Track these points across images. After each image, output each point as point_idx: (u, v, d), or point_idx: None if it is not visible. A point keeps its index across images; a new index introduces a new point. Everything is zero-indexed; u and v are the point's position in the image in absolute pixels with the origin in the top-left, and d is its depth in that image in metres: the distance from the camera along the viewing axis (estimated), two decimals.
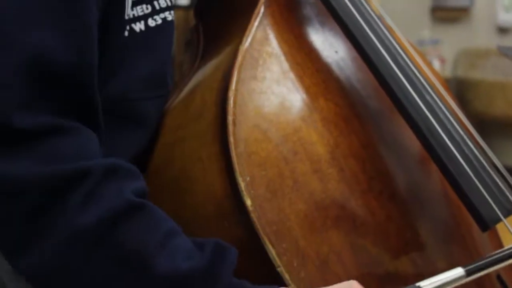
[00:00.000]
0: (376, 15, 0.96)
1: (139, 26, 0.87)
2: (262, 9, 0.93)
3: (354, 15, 0.94)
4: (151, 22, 0.89)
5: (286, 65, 0.91)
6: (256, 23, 0.92)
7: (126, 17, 0.85)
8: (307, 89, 0.91)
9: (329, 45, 0.98)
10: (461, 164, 0.88)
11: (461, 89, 3.62)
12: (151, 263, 0.71)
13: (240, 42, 0.90)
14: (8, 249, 0.73)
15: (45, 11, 0.69)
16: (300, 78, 0.91)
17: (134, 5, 0.87)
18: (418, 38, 3.78)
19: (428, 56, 3.70)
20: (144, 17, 0.89)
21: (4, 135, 0.69)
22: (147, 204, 0.75)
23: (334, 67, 0.96)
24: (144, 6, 0.88)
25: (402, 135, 0.97)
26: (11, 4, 0.67)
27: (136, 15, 0.87)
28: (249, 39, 0.90)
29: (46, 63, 0.70)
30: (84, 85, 0.75)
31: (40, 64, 0.70)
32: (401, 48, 0.94)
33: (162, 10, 0.91)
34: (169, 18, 0.92)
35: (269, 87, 0.88)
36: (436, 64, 3.79)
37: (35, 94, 0.71)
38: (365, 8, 0.95)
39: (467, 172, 0.88)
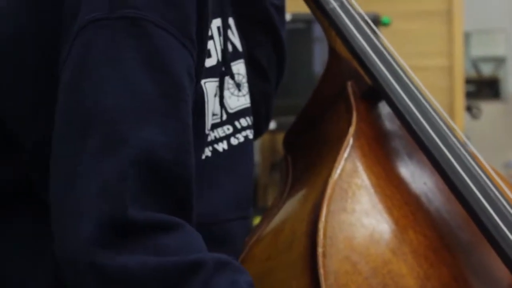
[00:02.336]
0: (461, 143, 0.97)
1: (222, 146, 0.90)
2: (351, 141, 0.95)
3: (440, 147, 0.95)
4: (233, 141, 0.92)
5: (375, 198, 0.92)
6: (345, 155, 0.94)
7: (208, 139, 0.88)
8: (396, 221, 0.91)
9: (417, 177, 0.99)
10: None
11: None
12: None
13: (329, 174, 0.92)
14: None
15: (154, 111, 0.72)
16: (389, 210, 0.92)
17: (215, 127, 0.90)
18: (504, 160, 3.74)
19: None
20: (227, 137, 0.92)
21: (119, 227, 0.71)
22: None
23: (423, 198, 0.97)
24: (225, 127, 0.92)
25: (493, 266, 0.95)
26: (123, 106, 0.71)
27: (218, 136, 0.91)
28: (338, 171, 0.92)
29: (155, 158, 0.72)
30: (187, 183, 0.77)
31: (150, 160, 0.72)
32: (487, 177, 0.94)
33: (244, 128, 0.95)
34: (250, 136, 0.96)
35: (359, 219, 0.89)
36: None
37: (146, 189, 0.73)
38: (451, 138, 0.96)
39: None
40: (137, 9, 0.70)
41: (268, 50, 1.14)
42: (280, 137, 2.93)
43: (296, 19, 2.75)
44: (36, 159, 0.81)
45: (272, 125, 2.78)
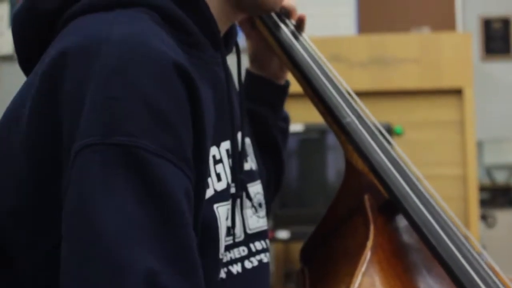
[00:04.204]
0: (478, 255, 0.96)
1: (236, 268, 0.90)
2: (368, 256, 0.95)
3: (459, 261, 0.94)
4: (247, 264, 0.92)
5: None
6: (363, 269, 0.93)
7: (224, 260, 0.87)
8: None
9: None
10: None
11: None
12: None
13: None
14: None
15: (153, 240, 0.71)
16: None
17: (230, 247, 0.90)
18: None
19: None
20: (241, 259, 0.91)
21: None
22: None
23: None
24: (241, 248, 0.91)
25: None
26: (120, 236, 0.69)
27: (233, 257, 0.90)
28: (356, 286, 0.91)
29: (157, 284, 0.71)
30: None
31: (152, 285, 0.70)
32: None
33: (258, 252, 0.94)
34: (265, 260, 0.95)
35: None
36: None
37: None
38: (469, 251, 0.95)
39: None
40: (131, 136, 0.69)
41: (270, 171, 1.15)
42: (294, 246, 2.92)
43: (309, 129, 2.78)
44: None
45: (286, 234, 2.77)
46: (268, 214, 1.08)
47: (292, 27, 1.09)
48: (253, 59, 1.15)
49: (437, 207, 0.99)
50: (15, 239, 0.80)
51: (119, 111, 0.70)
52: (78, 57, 0.74)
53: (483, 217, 3.67)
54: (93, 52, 0.73)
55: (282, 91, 1.16)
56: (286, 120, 1.19)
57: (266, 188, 1.07)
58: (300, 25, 1.09)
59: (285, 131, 1.18)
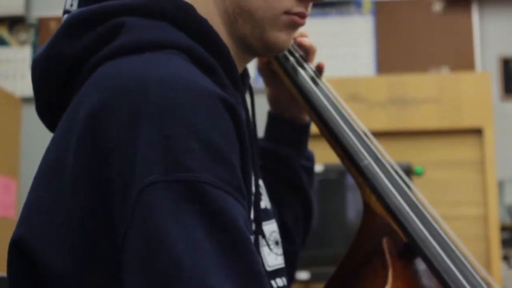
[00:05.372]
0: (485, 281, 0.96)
1: None
2: None
3: None
4: None
5: None
6: None
7: None
8: None
9: None
10: None
11: None
12: None
13: None
14: None
15: (228, 266, 0.71)
16: None
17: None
18: None
19: None
20: None
21: None
22: None
23: None
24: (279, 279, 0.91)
25: None
26: (199, 267, 0.69)
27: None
28: None
29: None
30: None
31: None
32: None
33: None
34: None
35: None
36: None
37: None
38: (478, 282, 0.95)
39: None
40: (191, 171, 0.70)
41: (296, 210, 1.15)
42: (314, 287, 2.90)
43: (329, 169, 2.78)
44: None
45: (306, 275, 2.75)
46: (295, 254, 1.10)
47: (311, 71, 1.10)
48: (272, 103, 1.17)
49: (456, 251, 0.99)
50: None
51: (177, 148, 0.71)
52: (122, 100, 0.74)
53: (505, 258, 3.63)
54: (138, 93, 0.73)
55: (304, 131, 1.17)
56: (310, 159, 1.19)
57: (289, 239, 1.09)
58: (319, 70, 1.10)
59: (310, 170, 1.19)
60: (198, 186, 0.71)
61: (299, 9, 0.91)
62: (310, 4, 0.93)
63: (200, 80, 0.76)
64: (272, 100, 1.17)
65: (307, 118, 1.17)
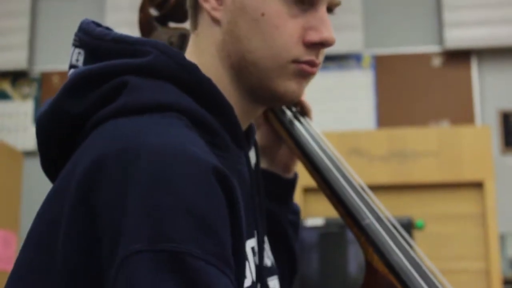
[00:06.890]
0: None
1: None
2: None
3: None
4: None
5: None
6: None
7: None
8: None
9: None
10: None
11: None
12: None
13: None
14: None
15: None
16: None
17: None
18: None
19: None
20: None
21: None
22: None
23: None
24: None
25: None
26: None
27: None
28: None
29: None
30: None
31: None
32: None
33: None
34: None
35: None
36: None
37: None
38: None
39: None
40: (176, 242, 0.71)
41: (283, 264, 1.15)
42: None
43: (329, 223, 2.78)
44: None
45: None
46: None
47: (307, 125, 1.10)
48: (261, 151, 1.16)
49: None
50: None
51: (164, 218, 0.72)
52: (116, 164, 0.75)
53: None
54: (131, 159, 0.74)
55: (291, 185, 1.17)
56: (296, 213, 1.19)
57: (280, 281, 1.08)
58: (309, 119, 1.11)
59: (295, 224, 1.18)
60: (181, 258, 0.71)
61: (308, 57, 0.88)
62: (323, 52, 0.91)
63: (194, 150, 0.76)
64: (262, 148, 1.15)
65: (294, 170, 1.17)
